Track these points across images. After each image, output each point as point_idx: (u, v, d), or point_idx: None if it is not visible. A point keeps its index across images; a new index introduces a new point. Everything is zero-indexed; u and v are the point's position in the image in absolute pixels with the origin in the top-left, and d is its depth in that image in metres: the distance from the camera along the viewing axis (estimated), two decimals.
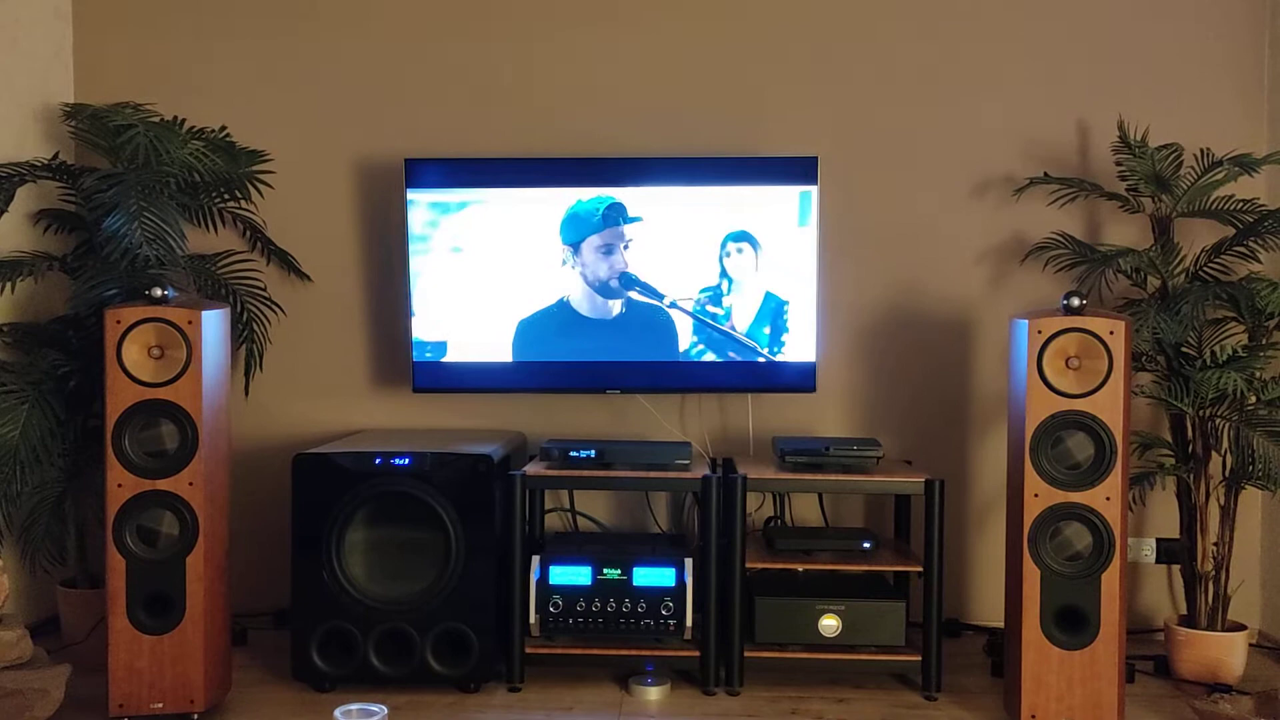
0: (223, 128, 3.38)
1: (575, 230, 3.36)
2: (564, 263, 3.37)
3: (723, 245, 3.35)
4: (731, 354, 3.36)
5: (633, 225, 3.35)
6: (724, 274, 3.36)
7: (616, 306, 3.38)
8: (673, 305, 3.36)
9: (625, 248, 3.36)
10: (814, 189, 3.32)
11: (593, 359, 3.39)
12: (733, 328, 3.35)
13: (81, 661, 2.99)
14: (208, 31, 3.65)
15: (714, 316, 3.36)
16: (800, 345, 3.35)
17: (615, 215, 3.35)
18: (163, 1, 3.67)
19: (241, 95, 3.63)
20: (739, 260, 3.36)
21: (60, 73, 3.62)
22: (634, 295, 3.36)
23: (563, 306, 3.38)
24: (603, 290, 3.37)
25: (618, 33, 3.59)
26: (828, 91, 3.57)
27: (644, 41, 3.59)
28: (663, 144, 3.49)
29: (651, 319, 3.38)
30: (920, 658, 3.03)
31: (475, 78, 3.61)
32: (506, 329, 3.40)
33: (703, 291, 3.36)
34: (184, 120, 3.30)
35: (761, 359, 3.36)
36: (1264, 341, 3.13)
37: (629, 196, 3.35)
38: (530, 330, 3.40)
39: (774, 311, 3.35)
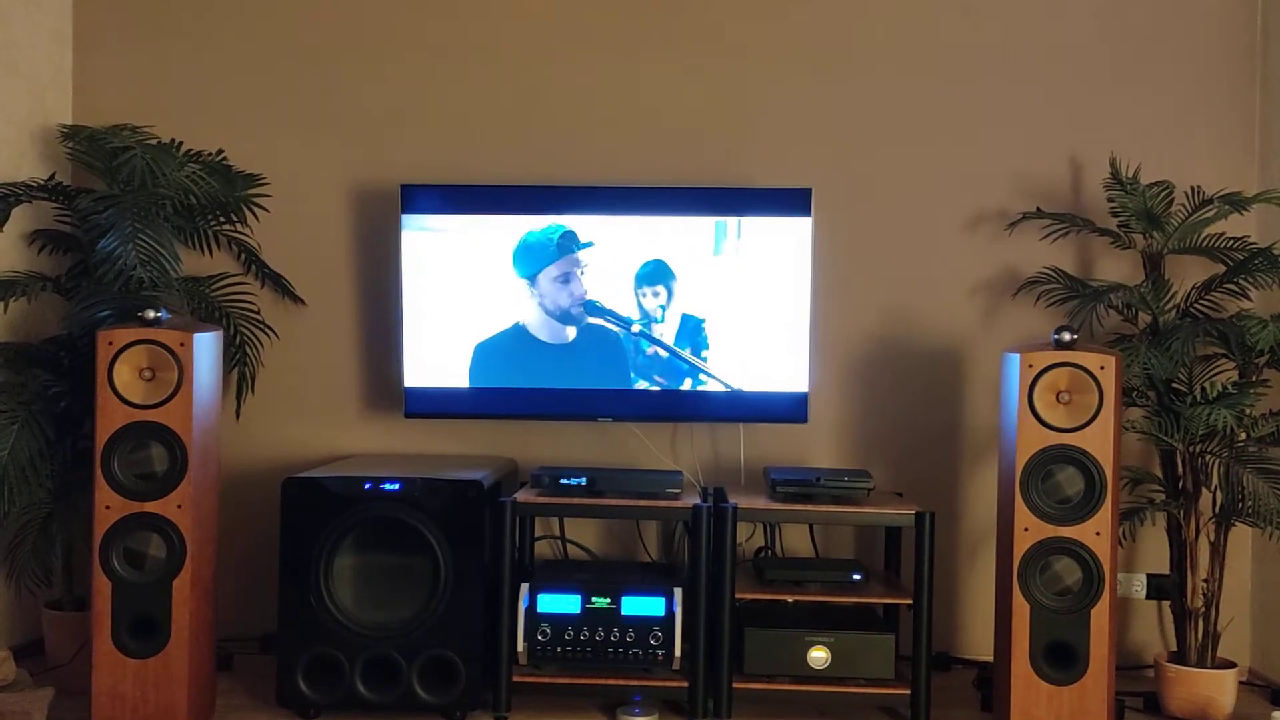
0: (219, 151, 3.39)
1: (539, 260, 3.38)
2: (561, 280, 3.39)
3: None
4: (709, 383, 3.36)
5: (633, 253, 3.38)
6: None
7: (571, 334, 3.39)
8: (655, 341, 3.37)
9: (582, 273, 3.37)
10: (808, 220, 3.33)
11: (577, 386, 3.39)
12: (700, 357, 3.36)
13: (66, 685, 2.97)
14: (206, 55, 3.67)
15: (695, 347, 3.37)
16: (792, 375, 3.36)
17: (570, 243, 3.37)
18: (162, 25, 3.68)
19: (239, 119, 3.64)
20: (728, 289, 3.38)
21: (58, 95, 3.63)
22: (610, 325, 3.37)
23: (519, 331, 3.39)
24: (562, 318, 3.38)
25: (623, 66, 3.62)
26: (823, 125, 3.59)
27: (647, 74, 3.61)
28: (660, 174, 3.51)
29: (627, 346, 3.39)
30: (909, 691, 3.01)
31: (475, 105, 3.62)
32: (493, 355, 3.41)
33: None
34: (181, 143, 3.32)
35: (735, 388, 3.35)
36: (1254, 379, 3.14)
37: (630, 226, 3.36)
38: (488, 355, 3.39)
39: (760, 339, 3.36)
